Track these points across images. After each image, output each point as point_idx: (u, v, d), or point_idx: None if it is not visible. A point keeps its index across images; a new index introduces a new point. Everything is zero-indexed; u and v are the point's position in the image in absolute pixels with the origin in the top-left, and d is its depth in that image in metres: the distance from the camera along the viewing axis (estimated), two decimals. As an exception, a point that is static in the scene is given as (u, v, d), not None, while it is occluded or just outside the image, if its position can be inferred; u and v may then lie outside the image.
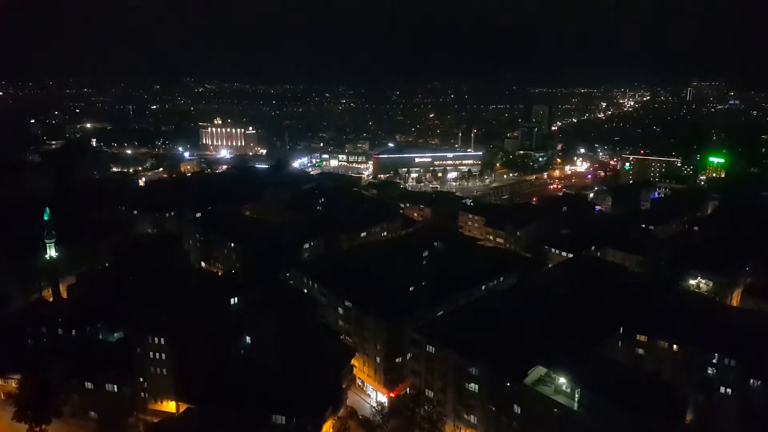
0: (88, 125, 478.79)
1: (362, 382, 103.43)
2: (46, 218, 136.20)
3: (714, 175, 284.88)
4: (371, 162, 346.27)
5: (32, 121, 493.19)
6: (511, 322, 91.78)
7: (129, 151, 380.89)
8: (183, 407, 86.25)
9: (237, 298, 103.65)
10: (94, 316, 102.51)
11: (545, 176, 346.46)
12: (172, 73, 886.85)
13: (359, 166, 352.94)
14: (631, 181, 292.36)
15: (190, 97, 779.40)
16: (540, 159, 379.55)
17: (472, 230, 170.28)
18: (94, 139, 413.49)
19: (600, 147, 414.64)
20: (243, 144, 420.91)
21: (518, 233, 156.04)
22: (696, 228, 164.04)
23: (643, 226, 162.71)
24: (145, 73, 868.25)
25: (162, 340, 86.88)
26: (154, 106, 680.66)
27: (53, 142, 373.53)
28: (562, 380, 75.40)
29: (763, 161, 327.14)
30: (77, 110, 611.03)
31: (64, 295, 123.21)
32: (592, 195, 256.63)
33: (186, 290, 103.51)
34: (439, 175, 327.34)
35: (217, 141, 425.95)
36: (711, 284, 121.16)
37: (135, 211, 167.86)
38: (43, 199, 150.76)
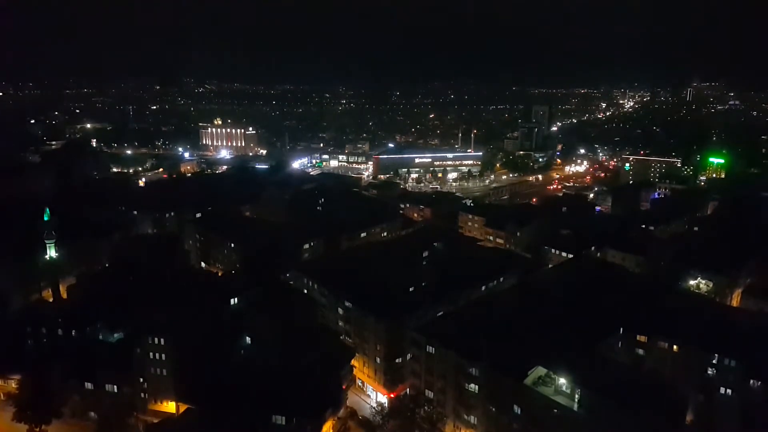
0: (88, 125, 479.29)
1: (362, 382, 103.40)
2: (46, 218, 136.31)
3: (714, 175, 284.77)
4: (371, 162, 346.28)
5: (32, 121, 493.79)
6: (511, 322, 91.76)
7: (129, 152, 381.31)
8: (183, 408, 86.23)
9: (237, 299, 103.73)
10: (94, 317, 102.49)
11: (545, 177, 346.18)
12: (172, 73, 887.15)
13: (359, 166, 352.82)
14: (631, 182, 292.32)
15: (190, 97, 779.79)
16: (540, 159, 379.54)
17: (472, 230, 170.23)
18: (94, 140, 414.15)
19: (600, 147, 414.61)
20: (243, 144, 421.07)
21: (518, 233, 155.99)
22: (696, 228, 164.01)
23: (643, 226, 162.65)
24: (145, 74, 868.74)
25: (162, 340, 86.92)
26: (154, 107, 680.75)
27: (53, 142, 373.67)
28: (562, 380, 75.39)
29: (763, 161, 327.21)
30: (77, 110, 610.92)
31: (64, 296, 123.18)
32: (592, 195, 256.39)
33: (186, 291, 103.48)
34: (439, 175, 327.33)
35: (217, 141, 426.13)
36: (711, 284, 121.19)
37: (135, 212, 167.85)
38: (43, 200, 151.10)
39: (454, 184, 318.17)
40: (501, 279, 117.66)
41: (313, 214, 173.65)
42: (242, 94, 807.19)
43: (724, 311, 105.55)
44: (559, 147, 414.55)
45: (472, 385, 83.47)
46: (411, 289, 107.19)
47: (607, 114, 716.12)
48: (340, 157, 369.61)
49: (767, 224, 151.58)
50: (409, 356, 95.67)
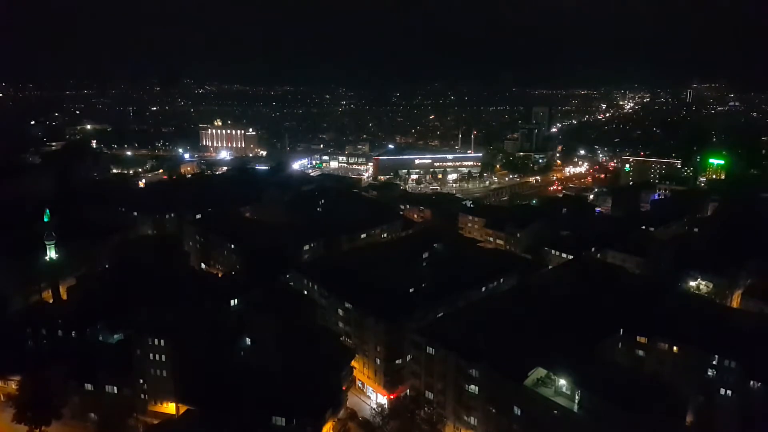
0: (88, 127, 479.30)
1: (362, 383, 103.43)
2: (46, 219, 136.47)
3: (714, 176, 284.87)
4: (371, 163, 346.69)
5: (32, 122, 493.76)
6: (512, 323, 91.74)
7: (129, 153, 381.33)
8: (183, 409, 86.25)
9: (237, 300, 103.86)
10: (94, 318, 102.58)
11: (546, 178, 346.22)
12: (172, 74, 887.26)
13: (359, 167, 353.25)
14: (631, 183, 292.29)
15: (190, 98, 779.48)
16: (540, 160, 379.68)
17: (472, 232, 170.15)
18: (94, 141, 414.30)
19: (600, 148, 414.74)
20: (243, 145, 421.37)
21: (518, 234, 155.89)
22: (696, 229, 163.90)
23: (643, 227, 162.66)
24: (145, 75, 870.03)
25: (162, 341, 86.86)
26: (154, 108, 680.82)
27: (53, 143, 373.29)
28: (563, 382, 75.31)
29: (763, 163, 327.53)
30: (77, 112, 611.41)
31: (64, 297, 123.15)
32: (592, 196, 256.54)
33: (186, 292, 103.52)
34: (439, 176, 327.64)
35: (217, 142, 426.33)
36: (711, 286, 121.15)
37: (135, 213, 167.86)
38: (43, 201, 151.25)
39: (454, 185, 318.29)
40: (501, 280, 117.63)
41: (313, 215, 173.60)
42: (242, 96, 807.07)
43: (724, 312, 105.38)
44: (559, 148, 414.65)
45: (472, 387, 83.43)
46: (411, 290, 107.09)
47: (607, 115, 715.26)
48: (340, 158, 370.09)
49: (767, 225, 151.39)
50: (409, 357, 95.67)
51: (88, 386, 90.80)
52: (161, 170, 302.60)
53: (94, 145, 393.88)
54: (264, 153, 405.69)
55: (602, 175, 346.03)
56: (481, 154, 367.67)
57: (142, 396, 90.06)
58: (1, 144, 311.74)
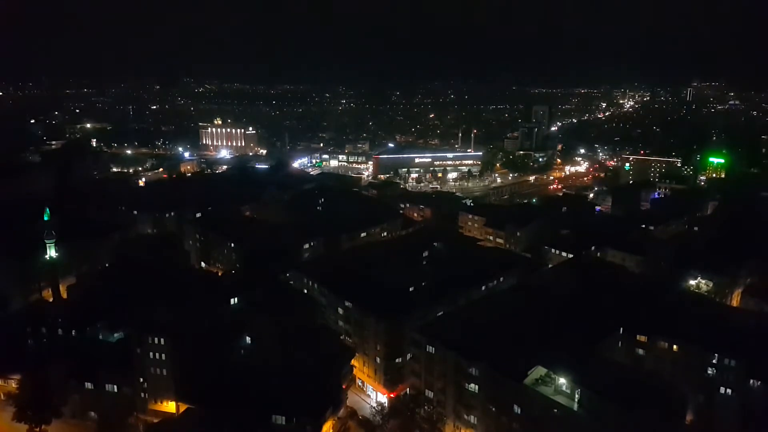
0: (88, 125, 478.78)
1: (362, 382, 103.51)
2: (46, 218, 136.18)
3: (714, 175, 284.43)
4: (371, 162, 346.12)
5: (32, 121, 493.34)
6: (511, 322, 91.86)
7: (129, 152, 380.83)
8: (183, 407, 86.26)
9: (237, 299, 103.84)
10: (94, 316, 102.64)
11: (545, 176, 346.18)
12: (172, 73, 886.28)
13: (359, 166, 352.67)
14: (631, 182, 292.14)
15: (190, 97, 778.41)
16: (540, 159, 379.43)
17: (472, 230, 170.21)
18: (94, 140, 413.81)
19: (600, 147, 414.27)
20: (243, 144, 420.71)
21: (518, 233, 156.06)
22: (696, 228, 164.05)
23: (643, 226, 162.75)
24: (145, 74, 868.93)
25: (162, 340, 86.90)
26: (154, 107, 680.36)
27: (53, 142, 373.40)
28: (562, 380, 75.40)
29: (763, 161, 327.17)
30: (77, 110, 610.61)
31: (64, 295, 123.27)
32: (592, 195, 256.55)
33: (186, 290, 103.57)
34: (439, 175, 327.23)
35: (217, 141, 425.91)
36: (711, 284, 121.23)
37: (135, 212, 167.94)
38: (43, 200, 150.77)
39: (454, 184, 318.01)
40: (501, 279, 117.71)
41: (313, 214, 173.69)
42: (242, 94, 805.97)
43: (723, 311, 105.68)
44: (559, 147, 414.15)
45: (472, 385, 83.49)
46: (411, 289, 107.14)
47: (607, 114, 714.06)
48: (340, 156, 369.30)
49: (767, 224, 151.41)
50: (409, 356, 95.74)
51: (89, 385, 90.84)
52: (161, 169, 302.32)
53: (94, 144, 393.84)
54: (264, 152, 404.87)
55: (602, 174, 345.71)
56: (481, 153, 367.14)
57: (143, 394, 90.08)
58: (1, 143, 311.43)
